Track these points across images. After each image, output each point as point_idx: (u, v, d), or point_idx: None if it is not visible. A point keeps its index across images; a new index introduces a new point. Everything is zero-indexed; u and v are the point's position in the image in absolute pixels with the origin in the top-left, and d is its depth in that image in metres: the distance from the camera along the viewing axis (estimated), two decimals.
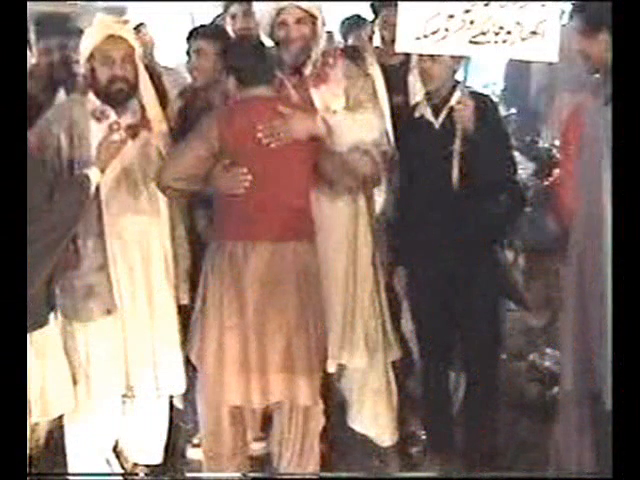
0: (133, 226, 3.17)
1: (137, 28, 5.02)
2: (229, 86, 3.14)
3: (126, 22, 3.79)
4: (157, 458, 3.41)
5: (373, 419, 3.50)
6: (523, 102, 6.32)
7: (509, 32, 3.02)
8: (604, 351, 2.74)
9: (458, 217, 3.20)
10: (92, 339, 3.15)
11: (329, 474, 3.39)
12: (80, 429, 3.22)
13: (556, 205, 3.29)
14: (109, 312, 3.14)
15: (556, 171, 3.82)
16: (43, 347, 2.88)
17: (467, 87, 3.24)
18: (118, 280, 3.16)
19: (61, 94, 3.68)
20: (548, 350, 4.25)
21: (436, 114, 3.26)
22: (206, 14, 4.89)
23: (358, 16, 4.80)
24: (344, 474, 3.49)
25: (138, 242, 3.19)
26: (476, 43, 3.06)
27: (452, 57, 3.16)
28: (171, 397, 3.42)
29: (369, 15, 4.41)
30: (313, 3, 3.23)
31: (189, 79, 3.67)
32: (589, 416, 2.98)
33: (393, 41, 3.19)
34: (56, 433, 3.36)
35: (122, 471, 3.38)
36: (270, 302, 3.03)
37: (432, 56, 3.15)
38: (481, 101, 3.20)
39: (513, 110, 6.20)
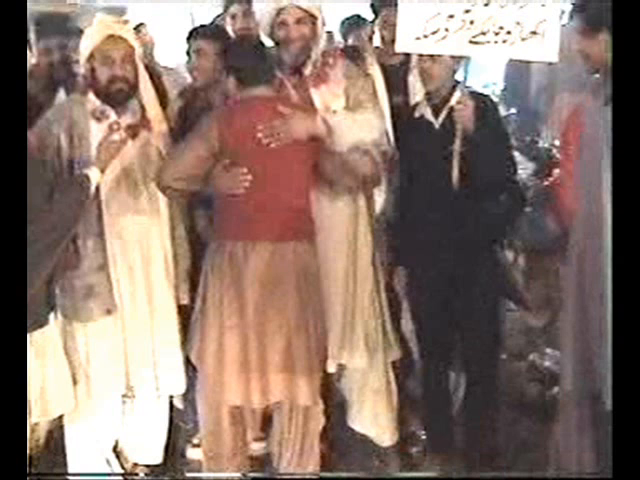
0: (133, 226, 3.17)
1: (137, 28, 5.05)
2: (229, 86, 3.14)
3: (126, 22, 3.80)
4: (157, 458, 3.41)
5: (373, 419, 3.49)
6: (523, 102, 6.34)
7: (509, 32, 3.02)
8: (604, 351, 2.74)
9: (458, 217, 3.20)
10: (92, 339, 3.15)
11: (329, 474, 3.38)
12: (80, 429, 3.21)
13: (556, 205, 3.29)
14: (109, 312, 3.14)
15: (556, 171, 3.83)
16: (43, 347, 2.88)
17: (467, 87, 3.24)
18: (118, 280, 3.16)
19: (61, 94, 3.67)
20: (548, 350, 4.25)
21: (436, 114, 3.26)
22: (206, 14, 4.89)
23: (358, 16, 4.80)
24: (344, 474, 3.49)
25: (138, 242, 3.19)
26: (476, 43, 3.06)
27: (452, 57, 3.16)
28: (171, 397, 3.41)
29: (369, 15, 4.42)
30: (313, 3, 3.23)
31: (189, 79, 3.66)
32: (589, 416, 2.98)
33: (393, 41, 3.20)
34: (56, 433, 3.35)
35: (122, 471, 3.38)
36: (270, 302, 3.03)
37: (432, 56, 3.15)
38: (481, 101, 3.20)
39: (513, 110, 6.22)
